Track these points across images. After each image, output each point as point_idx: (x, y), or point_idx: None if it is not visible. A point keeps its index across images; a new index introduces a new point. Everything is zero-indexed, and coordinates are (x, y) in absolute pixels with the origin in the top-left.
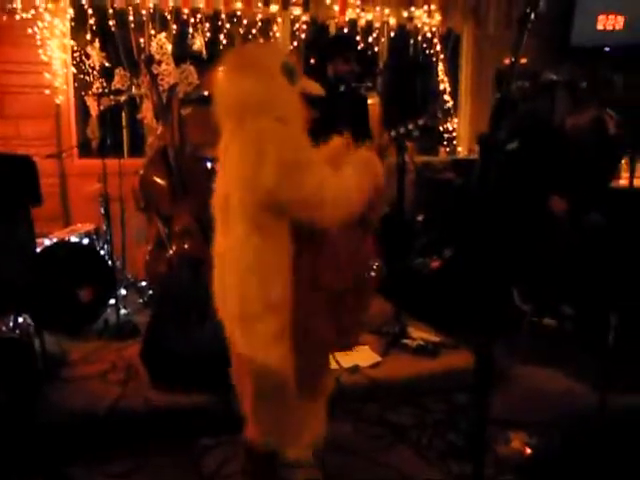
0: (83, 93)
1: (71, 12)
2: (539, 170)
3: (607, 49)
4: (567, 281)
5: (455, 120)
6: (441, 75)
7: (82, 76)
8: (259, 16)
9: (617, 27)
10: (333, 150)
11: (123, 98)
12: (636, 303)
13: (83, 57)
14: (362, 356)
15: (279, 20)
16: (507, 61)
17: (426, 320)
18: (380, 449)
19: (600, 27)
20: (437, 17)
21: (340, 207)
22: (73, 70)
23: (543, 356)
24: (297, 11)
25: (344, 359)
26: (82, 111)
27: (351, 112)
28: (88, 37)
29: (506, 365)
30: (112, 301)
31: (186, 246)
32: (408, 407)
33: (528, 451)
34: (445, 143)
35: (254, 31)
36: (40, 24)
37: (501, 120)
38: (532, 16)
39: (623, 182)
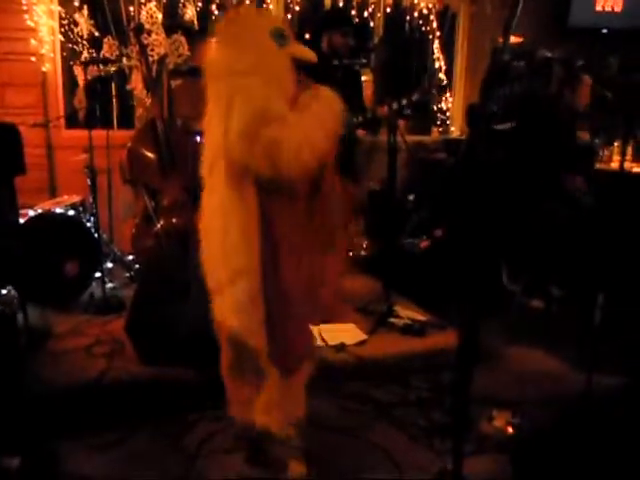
0: (71, 62)
1: None
2: (536, 150)
3: (605, 30)
4: (556, 262)
5: (449, 99)
6: (436, 53)
7: (70, 45)
8: None
9: (616, 9)
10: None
11: (113, 69)
12: (623, 284)
13: (71, 24)
14: (348, 334)
15: None
16: (509, 37)
17: (414, 299)
18: (364, 426)
19: (599, 8)
20: None
21: (299, 156)
22: (60, 38)
23: (530, 337)
24: None
25: (330, 337)
26: (70, 80)
27: (344, 85)
28: (76, 4)
29: (493, 345)
30: (98, 275)
31: (174, 220)
32: (393, 385)
33: (510, 430)
34: (438, 123)
35: (247, 2)
36: None
37: (490, 92)
38: None
39: (614, 165)
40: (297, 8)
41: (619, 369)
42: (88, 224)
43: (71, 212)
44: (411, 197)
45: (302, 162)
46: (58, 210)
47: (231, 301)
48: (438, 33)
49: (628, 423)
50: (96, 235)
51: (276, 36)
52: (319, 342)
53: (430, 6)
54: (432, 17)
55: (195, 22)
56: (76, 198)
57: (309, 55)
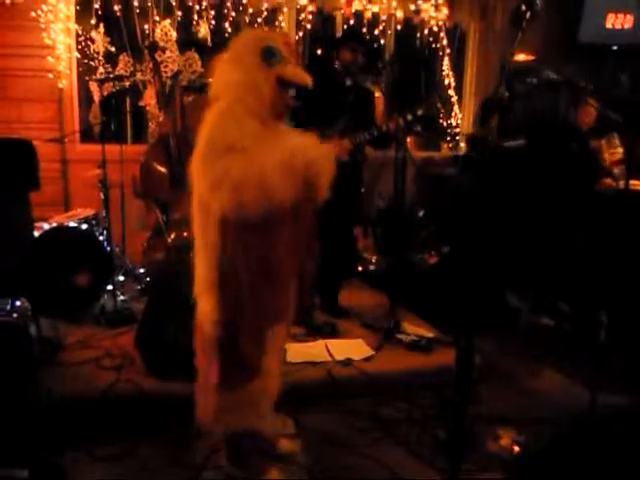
0: (87, 78)
1: None
2: (547, 167)
3: (615, 48)
4: (564, 279)
5: (459, 115)
6: (446, 70)
7: (86, 61)
8: (265, 5)
9: (626, 26)
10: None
11: (127, 84)
12: (627, 302)
13: (87, 42)
14: (356, 349)
15: (285, 10)
16: (513, 57)
17: (421, 315)
18: (369, 443)
19: (609, 25)
20: (444, 11)
21: (245, 194)
22: (77, 55)
23: (536, 354)
24: (303, 1)
25: (338, 351)
26: (85, 96)
27: (356, 104)
28: (93, 22)
29: (498, 362)
30: (109, 287)
31: (185, 234)
32: (399, 402)
33: (516, 449)
34: (448, 139)
35: (260, 20)
36: (44, 7)
37: (488, 117)
38: (528, 15)
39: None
40: (309, 26)
41: (623, 387)
42: (101, 237)
43: (84, 226)
44: (420, 213)
45: (244, 198)
46: (72, 224)
47: (203, 311)
48: (448, 50)
49: (633, 441)
50: (108, 248)
51: (266, 55)
52: (326, 357)
53: (440, 23)
54: (442, 34)
55: (209, 39)
56: (89, 212)
57: (300, 77)
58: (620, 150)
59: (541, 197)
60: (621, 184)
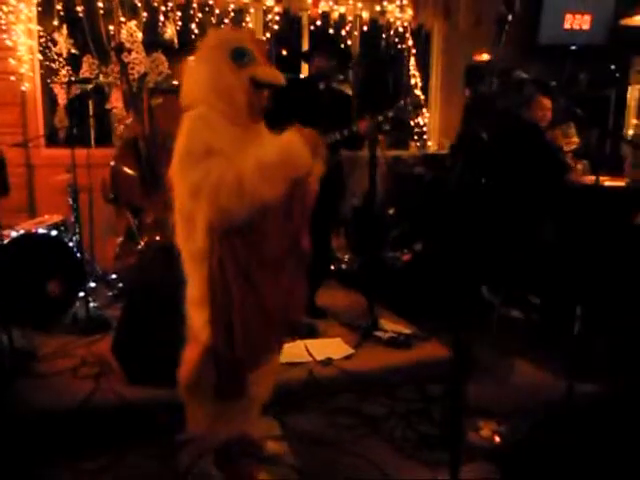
0: (49, 81)
1: None
2: (511, 165)
3: (573, 47)
4: (534, 272)
5: (426, 114)
6: (412, 70)
7: (48, 63)
8: (232, 6)
9: (583, 26)
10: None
11: (90, 86)
12: (600, 294)
13: (50, 43)
14: (335, 348)
15: (252, 10)
16: (477, 57)
17: (398, 312)
18: (354, 440)
19: (567, 26)
20: (409, 12)
21: (225, 198)
22: (39, 57)
23: (511, 347)
24: (270, 2)
25: (318, 352)
26: (49, 99)
27: (331, 108)
28: (55, 23)
29: (476, 356)
30: (81, 294)
31: (157, 238)
32: (381, 398)
33: (497, 439)
34: (416, 138)
35: (226, 21)
36: (5, 8)
37: (473, 118)
38: (509, 17)
39: (588, 179)
40: (276, 27)
41: (599, 376)
42: (70, 243)
43: (54, 232)
44: (391, 211)
45: (224, 203)
46: (41, 230)
47: (196, 323)
48: (413, 50)
49: (608, 428)
50: (79, 255)
51: (236, 56)
52: (307, 357)
53: (405, 24)
54: (407, 35)
55: (175, 40)
56: (57, 218)
57: (272, 77)
58: (576, 140)
59: (510, 192)
60: (588, 179)
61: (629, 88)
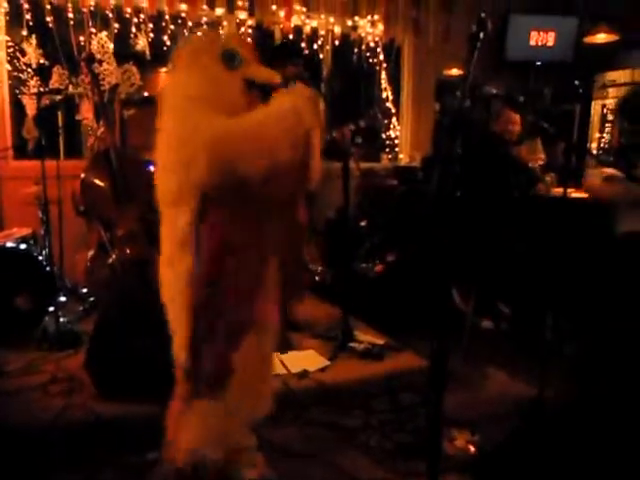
0: (17, 91)
1: (5, 6)
2: (479, 175)
3: (538, 63)
4: (505, 281)
5: (397, 127)
6: (384, 84)
7: (17, 74)
8: (204, 19)
9: (548, 43)
10: None
11: (59, 97)
12: (570, 303)
13: (18, 54)
14: (310, 361)
15: (224, 23)
16: (447, 72)
17: (371, 323)
18: (330, 452)
19: (533, 43)
20: (380, 27)
21: (240, 143)
22: (7, 67)
23: (483, 356)
24: (242, 15)
25: (292, 364)
26: (17, 110)
27: None
28: (24, 33)
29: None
30: (51, 309)
31: (128, 251)
32: (356, 409)
33: (472, 449)
34: (387, 150)
35: (199, 33)
36: None
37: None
38: (481, 35)
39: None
40: (249, 39)
41: (569, 384)
42: (40, 257)
43: (23, 245)
44: (363, 223)
45: (236, 147)
46: (9, 244)
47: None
48: (385, 65)
49: (581, 435)
50: (48, 268)
51: (226, 58)
52: (281, 370)
53: (377, 39)
54: (379, 49)
55: (147, 52)
56: (26, 231)
57: (266, 75)
58: (542, 156)
59: (481, 204)
60: (555, 191)
61: (592, 103)
